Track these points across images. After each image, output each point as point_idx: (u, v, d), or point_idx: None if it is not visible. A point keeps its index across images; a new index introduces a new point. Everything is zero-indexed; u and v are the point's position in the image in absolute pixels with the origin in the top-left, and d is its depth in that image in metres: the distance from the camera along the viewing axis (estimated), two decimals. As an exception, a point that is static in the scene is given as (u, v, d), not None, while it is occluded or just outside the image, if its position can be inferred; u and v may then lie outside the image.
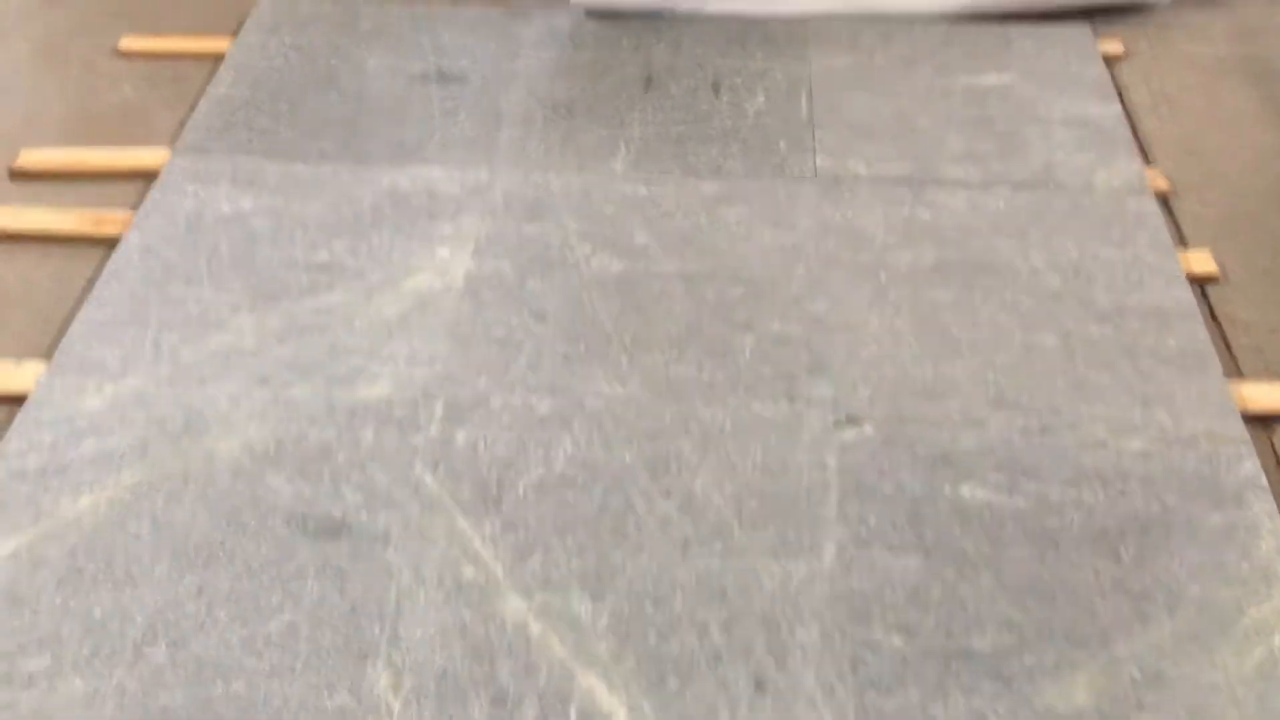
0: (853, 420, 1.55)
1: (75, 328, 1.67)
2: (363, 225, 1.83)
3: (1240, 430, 1.53)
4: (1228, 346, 1.68)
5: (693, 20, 2.27)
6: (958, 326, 1.67)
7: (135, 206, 1.88)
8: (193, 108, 2.08)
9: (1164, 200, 1.93)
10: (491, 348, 1.64)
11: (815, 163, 1.95)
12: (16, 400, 1.58)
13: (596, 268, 1.76)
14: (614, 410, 1.56)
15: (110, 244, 1.82)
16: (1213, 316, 1.74)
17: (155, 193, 1.89)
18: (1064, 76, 2.14)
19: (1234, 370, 1.64)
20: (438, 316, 1.69)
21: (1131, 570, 1.38)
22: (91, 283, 1.76)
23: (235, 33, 2.26)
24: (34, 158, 2.00)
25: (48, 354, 1.65)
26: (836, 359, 1.63)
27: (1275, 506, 1.44)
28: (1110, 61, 2.22)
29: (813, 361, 1.62)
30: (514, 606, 1.35)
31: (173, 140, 2.02)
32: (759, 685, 1.28)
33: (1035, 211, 1.86)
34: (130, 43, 2.27)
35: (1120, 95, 2.13)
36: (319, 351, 1.63)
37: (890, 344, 1.65)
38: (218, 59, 2.21)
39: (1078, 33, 2.26)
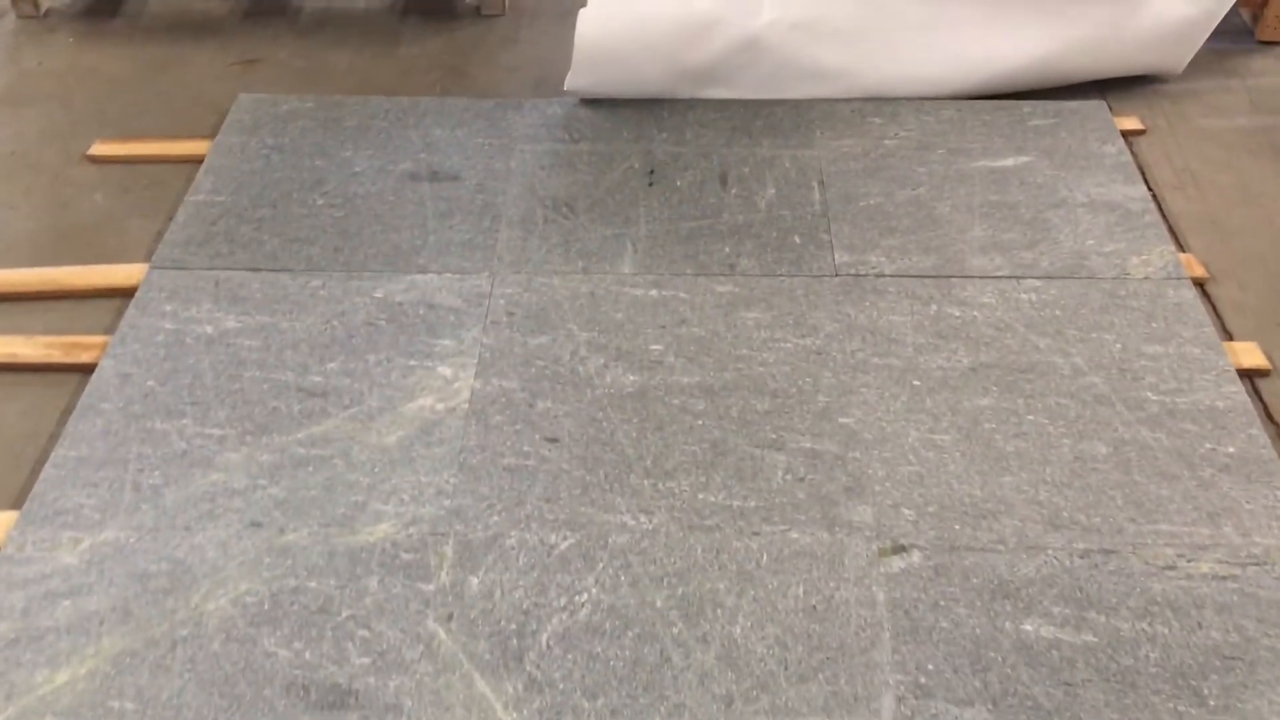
0: (899, 548, 1.43)
1: (48, 471, 1.53)
2: (357, 343, 1.71)
3: (1317, 547, 1.42)
4: (1288, 448, 1.58)
5: (693, 105, 2.17)
6: (1002, 436, 1.56)
7: (111, 329, 1.75)
8: (170, 217, 1.96)
9: (1201, 287, 1.84)
10: (503, 477, 1.52)
11: (834, 258, 1.85)
12: (-17, 559, 1.43)
13: (611, 383, 1.64)
14: (640, 546, 1.43)
15: (85, 372, 1.69)
16: (1268, 415, 1.63)
17: (132, 313, 1.76)
18: (1084, 156, 2.05)
19: (1299, 476, 1.54)
20: (443, 444, 1.56)
21: (1218, 714, 1.26)
22: (65, 416, 1.62)
23: (213, 134, 2.15)
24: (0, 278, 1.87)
25: (17, 502, 1.52)
26: (875, 478, 1.51)
27: (1368, 636, 1.33)
28: (1129, 138, 2.13)
29: (850, 482, 1.50)
30: (544, 784, 1.21)
31: (149, 254, 1.90)
32: None
33: (1070, 305, 1.75)
34: (102, 148, 2.15)
35: (1144, 174, 2.04)
36: (315, 489, 1.50)
37: (932, 459, 1.53)
38: (195, 163, 2.09)
39: (1094, 109, 2.18)
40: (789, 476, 1.51)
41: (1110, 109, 2.20)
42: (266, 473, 1.53)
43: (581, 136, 2.12)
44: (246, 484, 1.51)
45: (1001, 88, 2.16)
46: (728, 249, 1.87)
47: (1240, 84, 2.31)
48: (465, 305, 1.77)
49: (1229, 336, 1.76)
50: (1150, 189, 2.01)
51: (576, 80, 2.13)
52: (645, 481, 1.51)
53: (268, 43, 2.46)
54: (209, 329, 1.73)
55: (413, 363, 1.68)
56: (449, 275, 1.83)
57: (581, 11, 2.04)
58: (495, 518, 1.47)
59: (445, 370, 1.67)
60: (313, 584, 1.39)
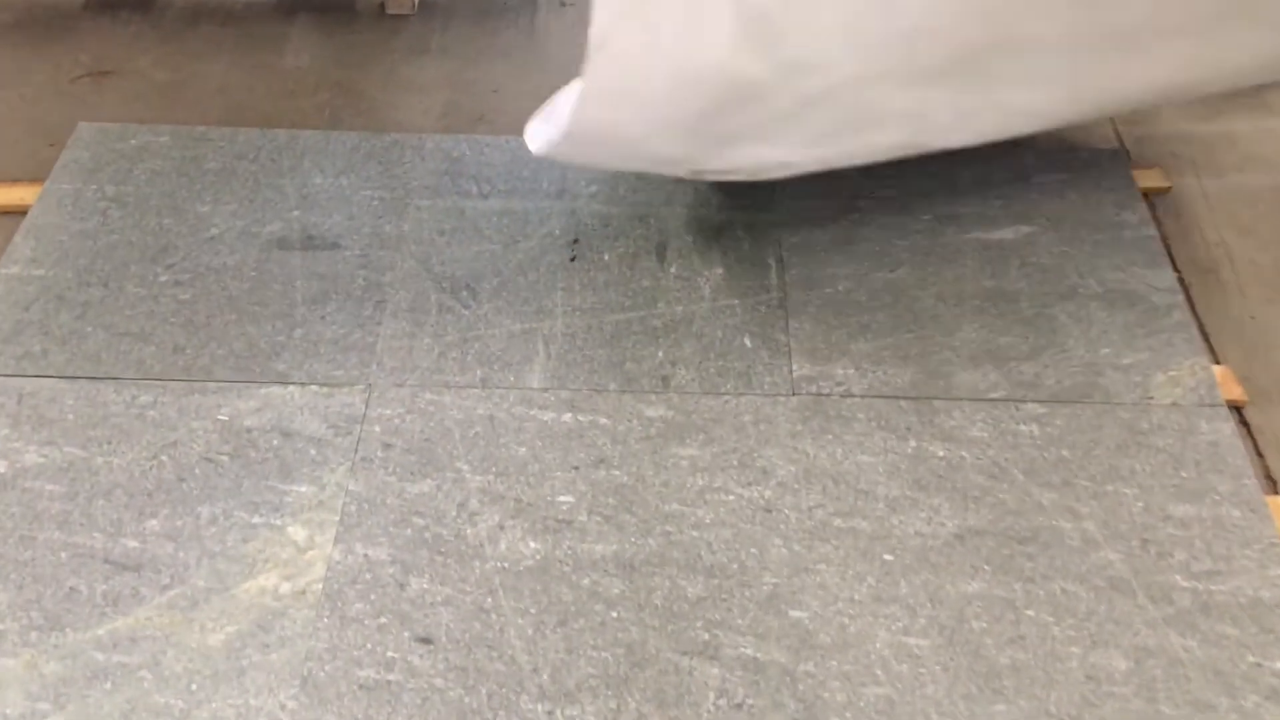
0: (861, 818, 1.10)
1: None
2: (189, 489, 1.35)
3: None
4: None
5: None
6: (994, 641, 1.23)
7: (-122, 464, 1.39)
8: (-24, 295, 1.58)
9: (1239, 411, 1.50)
10: (357, 701, 1.18)
11: (791, 370, 1.49)
12: None
13: (505, 552, 1.30)
14: (526, 812, 1.10)
15: None
16: (1325, 605, 1.31)
17: (-90, 438, 1.39)
18: (1099, 226, 1.70)
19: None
20: (284, 646, 1.21)
21: None
22: None
23: (44, 177, 1.75)
24: None
25: None
26: (833, 704, 1.18)
27: None
28: (1151, 197, 1.78)
29: (800, 710, 1.18)
30: None
31: (-57, 349, 1.52)
32: None
33: (1081, 444, 1.41)
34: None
35: (1169, 251, 1.69)
36: (111, 718, 1.16)
37: (906, 675, 1.20)
38: (19, 215, 1.70)
39: (1109, 160, 1.82)
40: (723, 701, 1.18)
41: (1128, 157, 1.83)
42: (51, 691, 1.18)
43: (492, 190, 1.74)
44: (24, 709, 1.17)
45: (1000, 135, 1.72)
46: (661, 354, 1.52)
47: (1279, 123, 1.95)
48: (330, 433, 1.41)
49: (1274, 487, 1.42)
50: (1177, 271, 1.66)
51: (557, 150, 1.53)
52: (539, 706, 1.17)
53: (126, 47, 2.05)
54: (2, 467, 1.37)
55: (256, 520, 1.33)
56: (314, 389, 1.46)
57: (581, 85, 1.39)
58: (341, 765, 1.13)
59: (297, 532, 1.31)
60: None
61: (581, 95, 1.37)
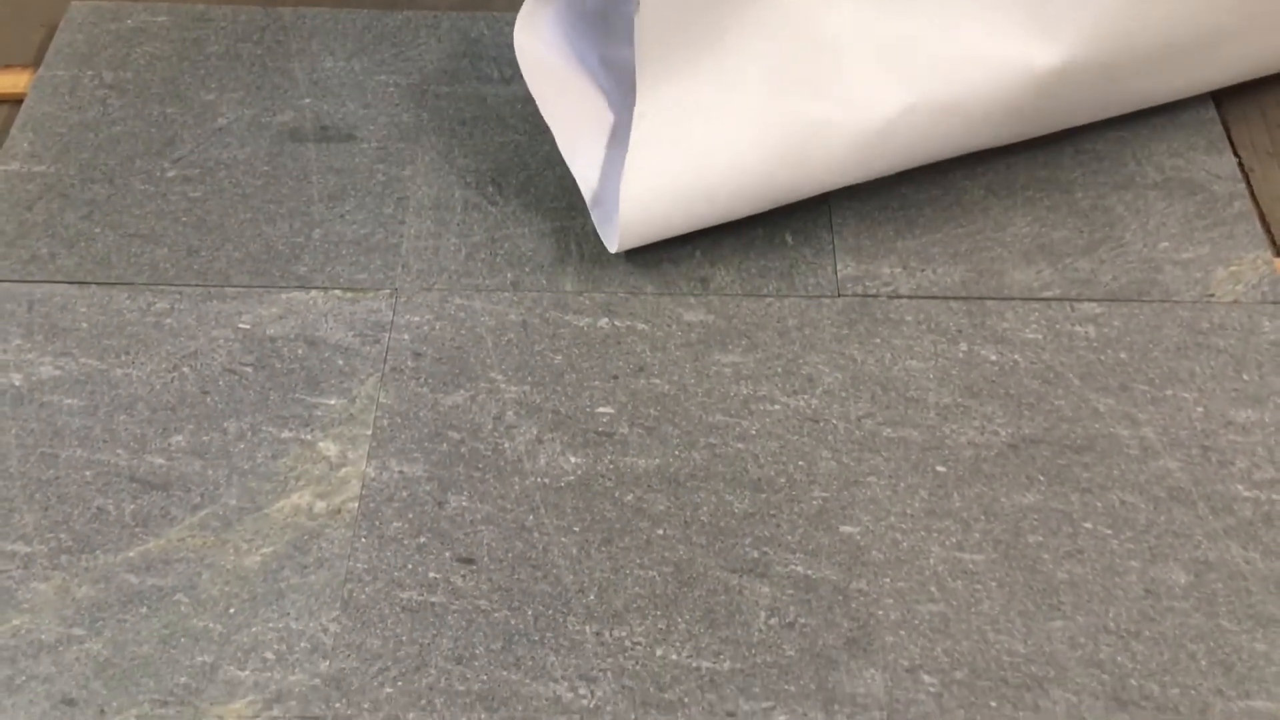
0: (918, 739, 1.09)
1: None
2: (213, 402, 1.30)
3: None
4: None
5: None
6: (1051, 555, 1.20)
7: (-113, 379, 1.33)
8: (-24, 193, 1.50)
9: (1301, 308, 1.44)
10: (400, 623, 1.15)
11: (836, 269, 1.43)
12: None
13: (545, 467, 1.25)
14: (578, 737, 1.08)
15: None
16: (1388, 512, 1.27)
17: (-82, 350, 1.34)
18: (1155, 108, 1.60)
19: None
20: (322, 568, 1.18)
21: None
22: None
23: (36, 62, 1.65)
24: None
25: None
26: (886, 622, 1.15)
27: None
28: (1210, 77, 1.67)
29: (854, 629, 1.15)
30: None
31: (-54, 253, 1.45)
32: None
33: (1139, 345, 1.36)
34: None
35: (1229, 135, 1.60)
36: (149, 643, 1.13)
37: (961, 592, 1.17)
38: (13, 104, 1.61)
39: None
40: (774, 620, 1.15)
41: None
42: (85, 615, 1.15)
43: (515, 74, 1.64)
44: (58, 634, 1.14)
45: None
46: (699, 253, 1.45)
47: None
48: (358, 342, 1.35)
49: (1338, 390, 1.37)
50: (1238, 156, 1.58)
51: (625, 244, 1.40)
52: (587, 628, 1.15)
53: (114, -84, 1.90)
54: (17, 379, 1.32)
55: (286, 434, 1.28)
56: (337, 293, 1.40)
57: (625, 181, 1.33)
58: (388, 690, 1.11)
59: (329, 448, 1.27)
60: (141, 801, 1.04)
61: (626, 183, 1.33)
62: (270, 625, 1.15)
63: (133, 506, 1.22)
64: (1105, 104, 1.50)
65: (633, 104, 1.33)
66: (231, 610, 1.16)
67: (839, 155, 1.38)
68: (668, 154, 1.35)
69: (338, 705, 1.10)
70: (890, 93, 1.36)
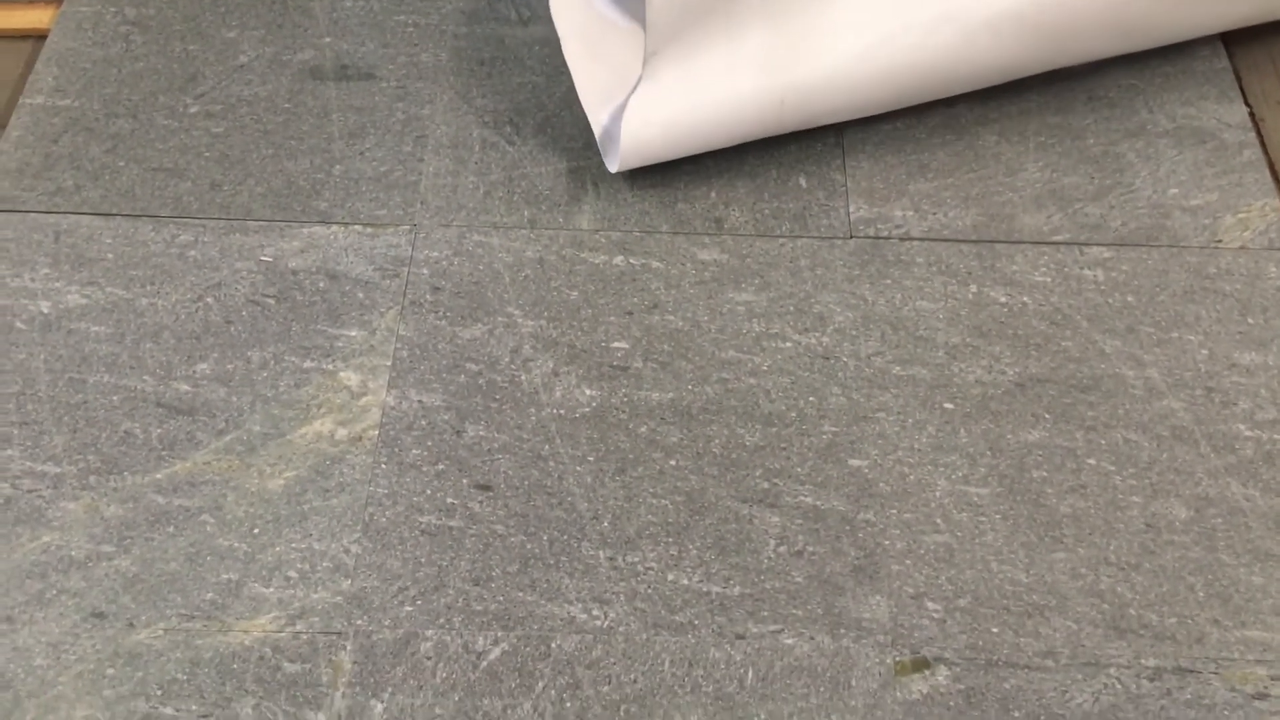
0: (921, 663, 1.12)
1: None
2: (237, 332, 1.32)
3: None
4: None
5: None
6: (1055, 490, 1.22)
7: (-82, 305, 1.36)
8: (1, 126, 1.52)
9: (1308, 256, 1.45)
10: (419, 545, 1.18)
11: (848, 211, 1.44)
12: None
13: (561, 399, 1.28)
14: (592, 654, 1.12)
15: (-116, 369, 1.31)
16: (1386, 454, 1.30)
17: (-52, 278, 1.37)
18: (1168, 57, 1.61)
19: None
20: (344, 492, 1.21)
21: None
22: None
23: (59, -1, 1.67)
24: None
25: None
26: (893, 552, 1.18)
27: None
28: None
29: (861, 558, 1.18)
30: None
31: (-27, 184, 1.47)
32: None
33: (1146, 289, 1.38)
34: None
35: (1241, 84, 1.61)
36: (176, 560, 1.17)
37: (966, 523, 1.20)
38: (37, 39, 1.62)
39: (1183, -13, 1.71)
40: (783, 549, 1.19)
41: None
42: (114, 534, 1.18)
43: (533, 16, 1.65)
44: (88, 551, 1.17)
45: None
46: (714, 193, 1.47)
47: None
48: (378, 276, 1.38)
49: (1342, 335, 1.39)
50: (1249, 106, 1.59)
51: (626, 163, 1.44)
52: (601, 553, 1.18)
53: None
54: (45, 307, 1.34)
55: (308, 364, 1.31)
56: (357, 228, 1.42)
57: (630, 106, 1.38)
58: (408, 608, 1.14)
59: (350, 377, 1.30)
60: (169, 710, 1.08)
61: (628, 118, 1.38)
62: (294, 545, 1.18)
63: (159, 431, 1.25)
64: (1120, 28, 1.46)
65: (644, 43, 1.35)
66: (256, 531, 1.19)
67: (834, 82, 1.40)
68: (672, 87, 1.37)
69: (359, 622, 1.13)
70: (881, 16, 1.37)
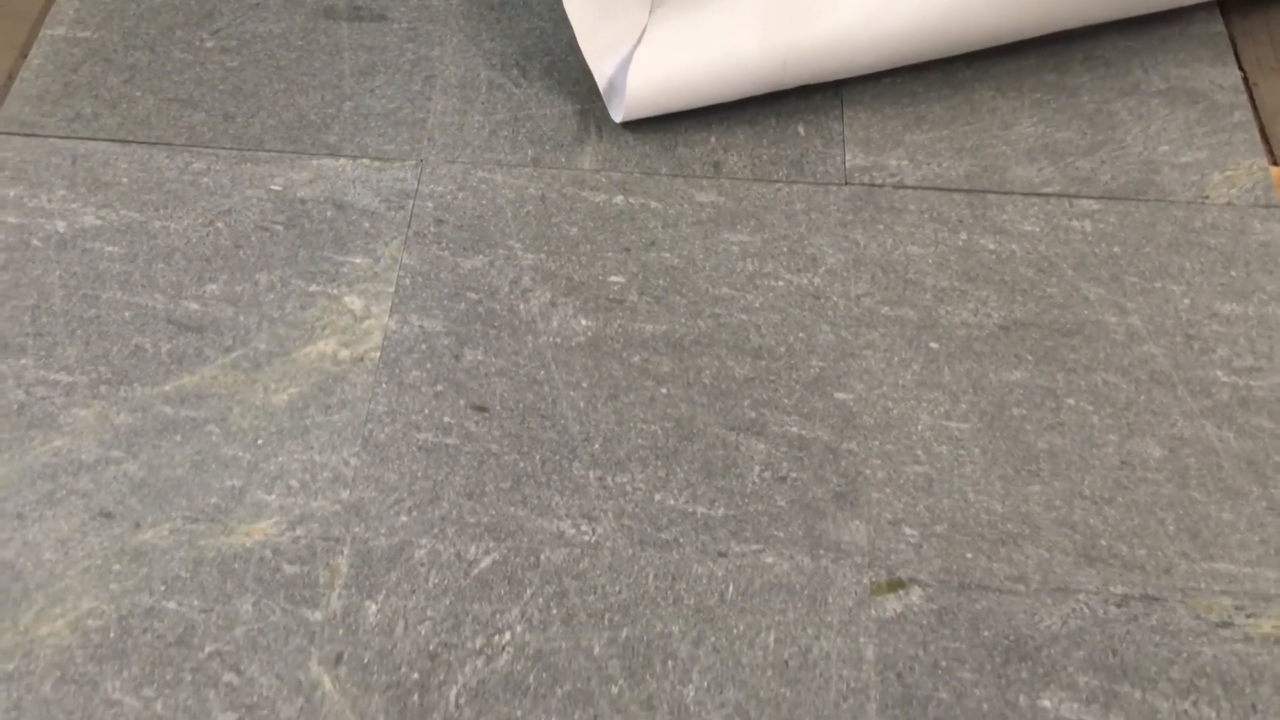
0: (896, 583, 1.16)
1: None
2: (246, 256, 1.37)
3: None
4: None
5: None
6: (1034, 427, 1.26)
7: (-61, 222, 1.41)
8: (22, 55, 1.56)
9: (1293, 215, 1.48)
10: (416, 460, 1.22)
11: (844, 159, 1.48)
12: None
13: (558, 328, 1.32)
14: (579, 566, 1.16)
15: (-96, 281, 1.36)
16: (1360, 404, 1.33)
17: (-32, 197, 1.41)
18: (1166, 20, 1.64)
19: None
20: (345, 408, 1.26)
21: (1266, 832, 1.03)
22: (-122, 344, 1.31)
23: (81, -64, 1.70)
24: None
25: None
26: (873, 480, 1.22)
27: None
28: (1222, -6, 1.71)
29: (842, 485, 1.22)
30: None
31: (-6, 110, 1.52)
32: None
33: (1133, 240, 1.41)
34: (-60, -49, 1.71)
35: (1235, 49, 1.64)
36: (182, 466, 1.21)
37: (945, 456, 1.24)
38: (58, -24, 1.66)
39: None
40: (768, 474, 1.23)
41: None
42: (123, 440, 1.23)
43: (543, -36, 1.68)
44: (97, 455, 1.22)
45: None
46: (714, 139, 1.50)
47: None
48: (383, 207, 1.42)
49: (1322, 290, 1.43)
50: (1242, 70, 1.62)
51: (631, 113, 1.49)
52: (591, 473, 1.22)
53: None
54: (61, 226, 1.39)
55: (314, 288, 1.35)
56: (365, 161, 1.46)
57: (635, 58, 1.44)
58: (403, 518, 1.19)
59: (354, 301, 1.34)
60: (171, 604, 1.13)
61: (634, 70, 1.43)
62: (295, 456, 1.22)
63: (169, 346, 1.30)
64: None
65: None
66: (259, 442, 1.23)
67: (836, 43, 1.44)
68: (676, 42, 1.41)
69: (356, 529, 1.18)
70: None
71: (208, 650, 1.10)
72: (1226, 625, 1.14)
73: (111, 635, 1.11)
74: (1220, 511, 1.21)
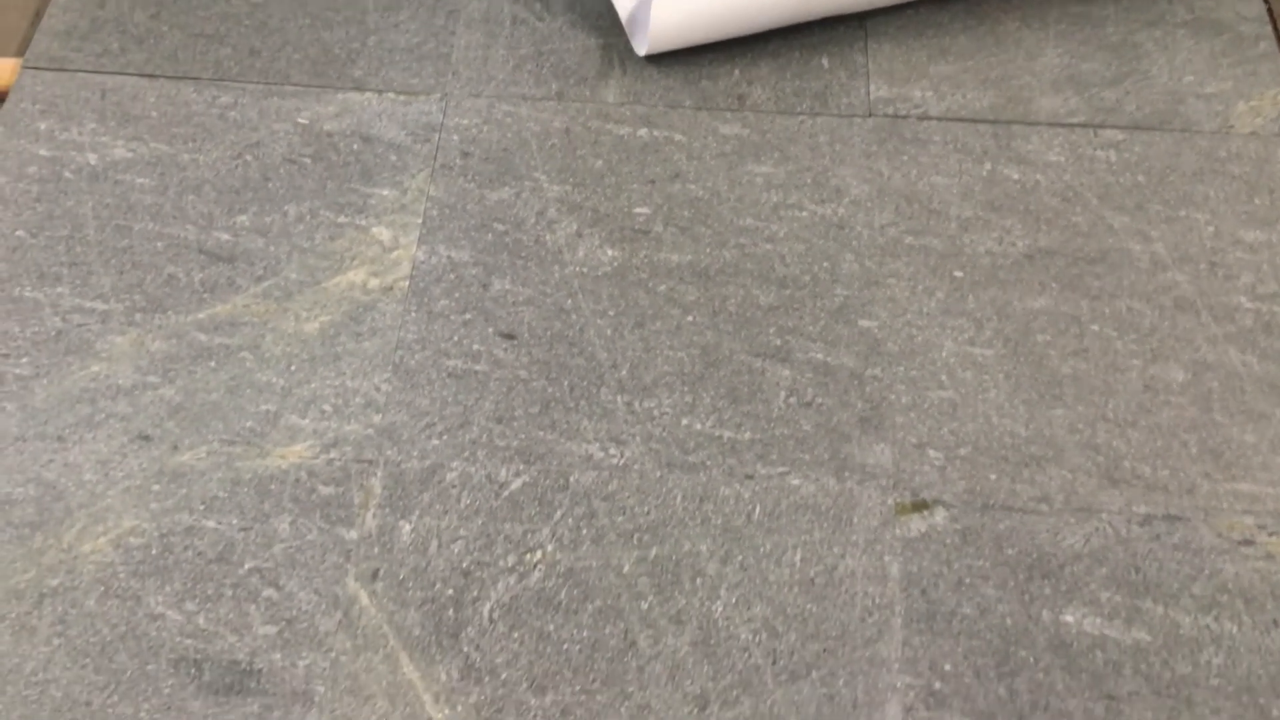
0: (920, 504, 1.18)
1: (-109, 355, 1.25)
2: (275, 188, 1.38)
3: None
4: None
5: None
6: (1058, 353, 1.27)
7: (-28, 156, 1.42)
8: (49, -7, 1.57)
9: (1318, 145, 1.48)
10: (446, 386, 1.24)
11: (869, 91, 1.48)
12: None
13: (584, 258, 1.34)
14: (608, 488, 1.18)
15: (-60, 214, 1.38)
16: (1383, 331, 1.34)
17: (-1, 132, 1.42)
18: (1192, -46, 1.63)
19: None
20: (375, 336, 1.27)
21: (1285, 742, 1.05)
22: (-84, 274, 1.33)
23: (104, -126, 1.71)
24: None
25: None
26: (898, 405, 1.24)
27: None
28: (1249, -74, 1.70)
29: (867, 409, 1.23)
30: (478, 804, 1.02)
31: (21, 46, 1.53)
32: None
33: (1157, 170, 1.41)
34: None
35: (1262, -19, 1.63)
36: (218, 391, 1.23)
37: (969, 381, 1.25)
38: (82, -86, 1.67)
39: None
40: (793, 399, 1.24)
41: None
42: (159, 366, 1.25)
43: (565, -101, 1.68)
44: (134, 380, 1.24)
45: None
46: (737, 72, 1.51)
47: None
48: (410, 140, 1.43)
49: (1346, 219, 1.43)
50: (1266, 1, 1.61)
51: (655, 46, 1.49)
52: (619, 398, 1.24)
53: None
54: (93, 159, 1.40)
55: (342, 219, 1.36)
56: (391, 95, 1.47)
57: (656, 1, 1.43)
58: (435, 441, 1.21)
59: (382, 232, 1.35)
60: (211, 523, 1.15)
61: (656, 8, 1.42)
62: (328, 382, 1.24)
63: (201, 275, 1.31)
64: None
65: None
66: (292, 368, 1.25)
67: None
68: None
69: (389, 452, 1.20)
70: None
71: (247, 567, 1.12)
72: (1248, 543, 1.15)
73: (153, 552, 1.13)
74: (1243, 434, 1.22)
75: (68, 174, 1.39)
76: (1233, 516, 1.17)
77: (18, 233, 1.33)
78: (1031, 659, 1.09)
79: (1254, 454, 1.21)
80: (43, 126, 1.43)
